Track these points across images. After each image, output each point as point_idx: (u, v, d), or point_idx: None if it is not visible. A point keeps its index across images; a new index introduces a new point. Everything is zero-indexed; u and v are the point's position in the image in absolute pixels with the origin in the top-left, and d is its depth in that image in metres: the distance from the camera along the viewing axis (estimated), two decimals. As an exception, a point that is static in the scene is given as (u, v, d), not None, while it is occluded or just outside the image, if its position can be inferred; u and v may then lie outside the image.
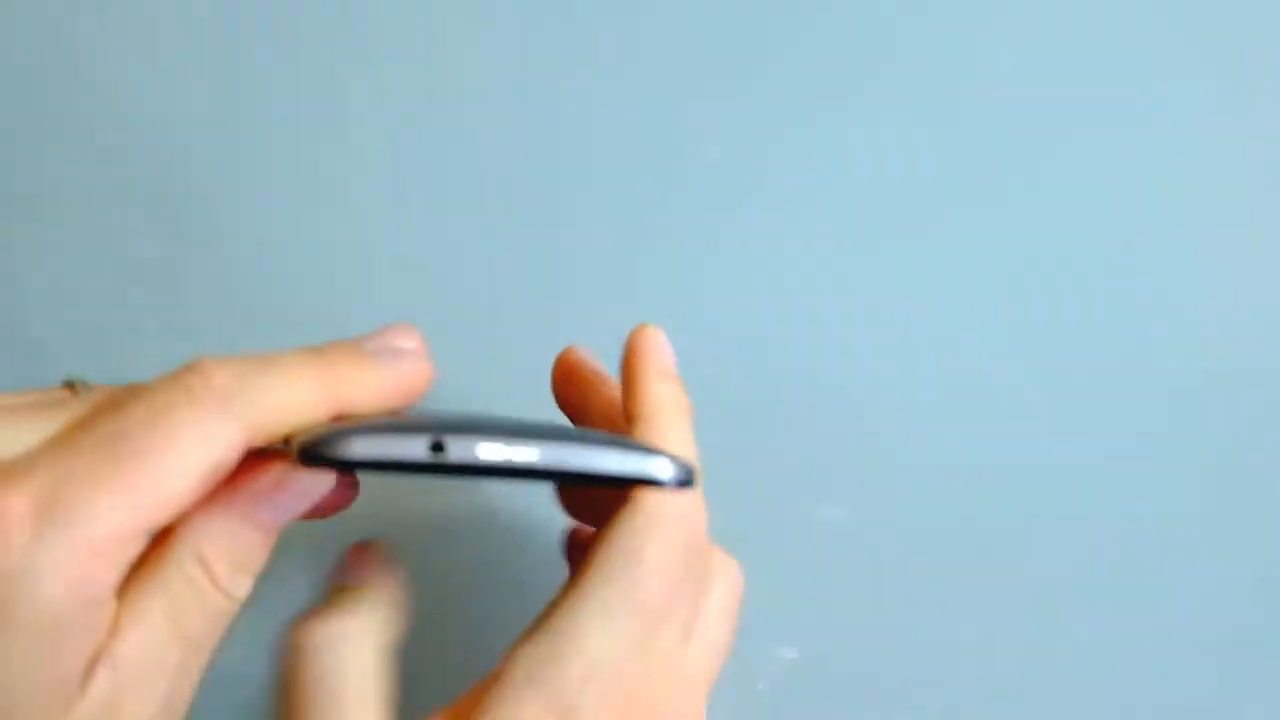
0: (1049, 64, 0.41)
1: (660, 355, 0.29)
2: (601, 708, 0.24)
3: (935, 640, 0.39)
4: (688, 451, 0.27)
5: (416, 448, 0.21)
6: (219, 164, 0.41)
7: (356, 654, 0.24)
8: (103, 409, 0.20)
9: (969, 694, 0.39)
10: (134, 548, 0.20)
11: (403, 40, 0.42)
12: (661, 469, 0.23)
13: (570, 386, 0.32)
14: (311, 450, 0.20)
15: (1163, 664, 0.40)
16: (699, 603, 0.27)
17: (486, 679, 0.25)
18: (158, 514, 0.20)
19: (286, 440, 0.22)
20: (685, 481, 0.23)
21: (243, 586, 0.22)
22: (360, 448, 0.20)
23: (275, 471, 0.22)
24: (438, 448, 0.21)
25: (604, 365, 0.32)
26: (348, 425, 0.21)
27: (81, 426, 0.20)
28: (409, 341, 0.24)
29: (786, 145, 0.41)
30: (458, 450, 0.21)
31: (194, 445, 0.20)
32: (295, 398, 0.21)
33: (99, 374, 0.40)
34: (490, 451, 0.21)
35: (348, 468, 0.21)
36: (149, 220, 0.41)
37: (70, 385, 0.24)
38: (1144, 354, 0.40)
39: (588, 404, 0.32)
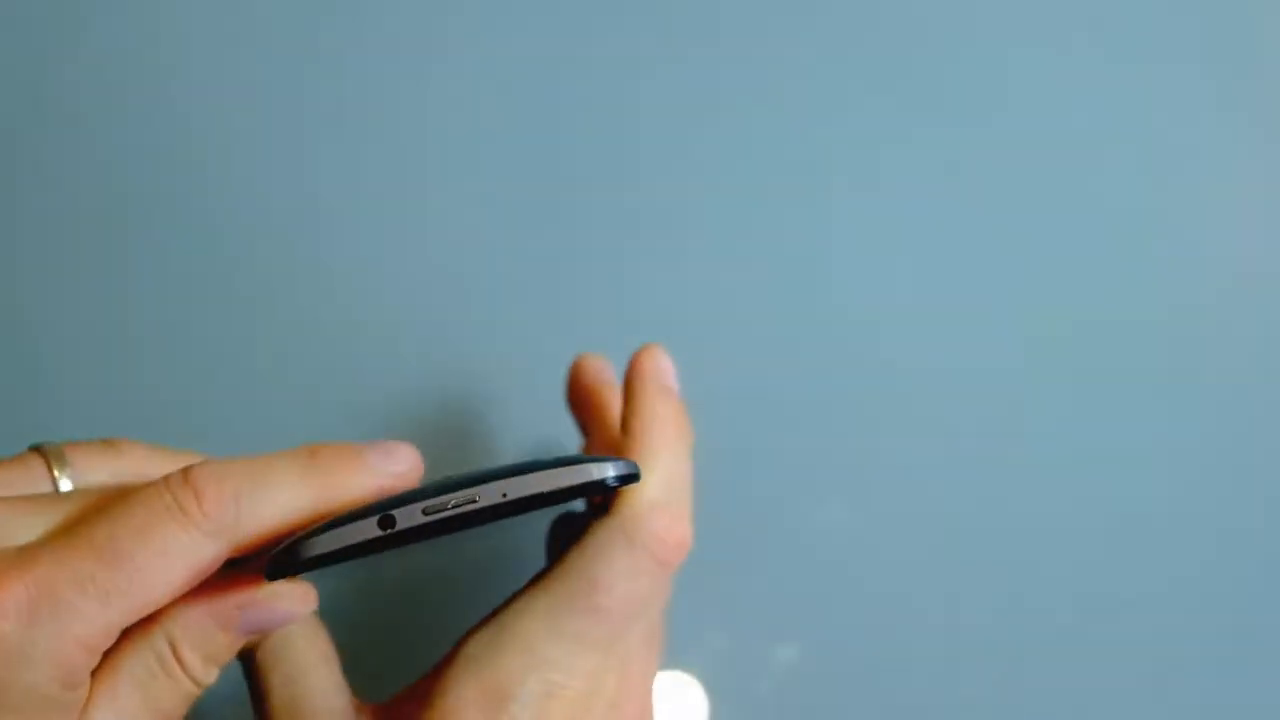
0: (1048, 66, 0.41)
1: (660, 373, 0.30)
2: (545, 701, 0.24)
3: (935, 640, 0.39)
4: (676, 467, 0.27)
5: (368, 529, 0.22)
6: (219, 168, 0.41)
7: (296, 629, 0.26)
8: (101, 510, 0.22)
9: (969, 693, 0.39)
10: (112, 640, 0.22)
11: (408, 43, 0.42)
12: (597, 471, 0.23)
13: (578, 395, 0.33)
14: (274, 566, 0.22)
15: (1164, 663, 0.40)
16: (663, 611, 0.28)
17: (439, 663, 0.26)
18: (137, 615, 0.21)
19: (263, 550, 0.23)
20: (627, 477, 0.24)
21: (211, 675, 0.24)
22: (317, 548, 0.22)
23: (264, 590, 0.24)
24: (387, 523, 0.22)
25: (614, 372, 0.33)
26: (300, 532, 0.23)
27: (79, 527, 0.21)
28: (404, 464, 0.25)
29: (787, 145, 0.41)
30: (405, 518, 0.22)
31: (179, 560, 0.21)
32: (285, 515, 0.22)
33: (98, 380, 0.40)
34: (434, 509, 0.23)
35: (314, 567, 0.22)
36: (148, 225, 0.41)
37: (40, 451, 0.25)
38: (1144, 354, 0.40)
39: (594, 413, 0.32)
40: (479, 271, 0.41)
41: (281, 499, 0.22)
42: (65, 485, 0.25)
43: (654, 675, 0.28)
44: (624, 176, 0.41)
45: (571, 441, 0.40)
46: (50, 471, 0.25)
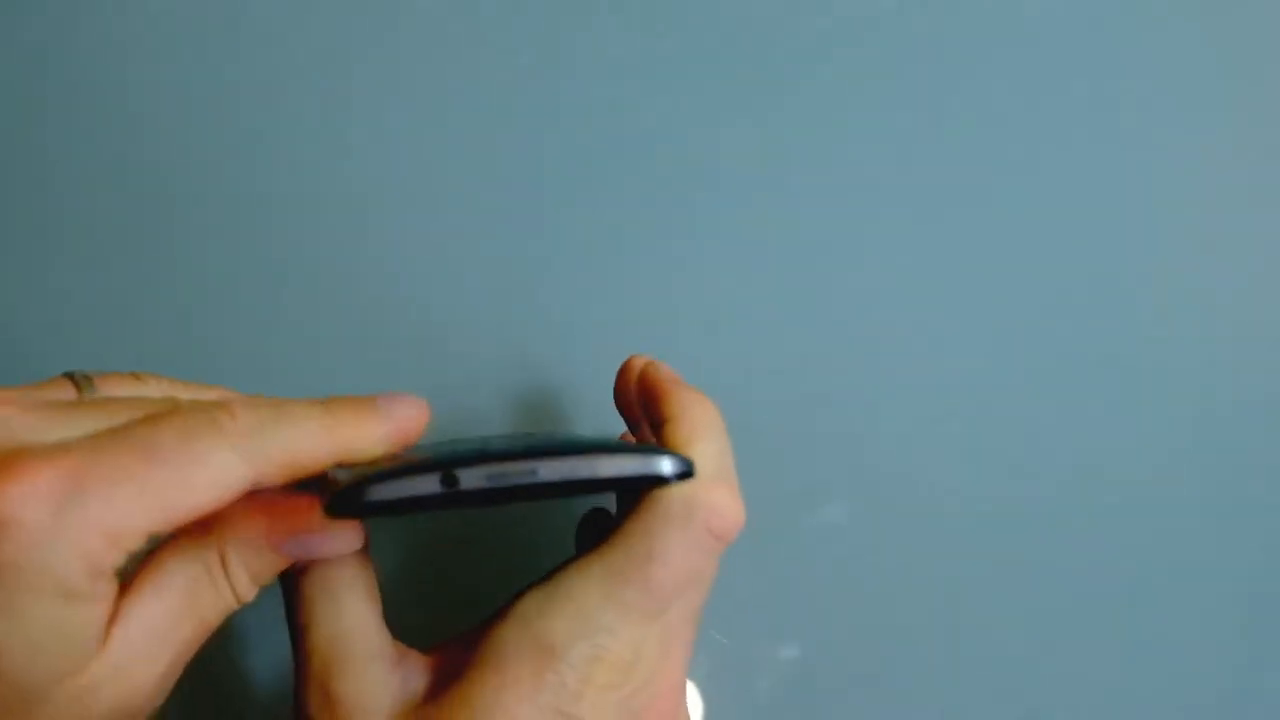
0: (1049, 68, 0.41)
1: (669, 371, 0.31)
2: (591, 664, 0.25)
3: (935, 639, 0.39)
4: (722, 445, 0.28)
5: (430, 484, 0.23)
6: (219, 167, 0.41)
7: (344, 566, 0.27)
8: (140, 420, 0.22)
9: (969, 693, 0.39)
10: (135, 544, 0.22)
11: (409, 42, 0.42)
12: (655, 465, 0.24)
13: (627, 395, 0.34)
14: (335, 504, 0.23)
15: (1163, 664, 0.40)
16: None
17: (494, 617, 0.27)
18: (165, 523, 0.22)
19: (324, 487, 0.24)
20: (685, 473, 0.25)
21: (251, 592, 0.25)
22: (380, 494, 0.23)
23: (318, 522, 0.25)
24: (450, 481, 0.23)
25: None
26: (368, 473, 0.23)
27: (119, 430, 0.22)
28: (413, 409, 0.26)
29: (786, 148, 0.41)
30: (468, 479, 0.23)
31: (214, 472, 0.22)
32: (303, 446, 0.23)
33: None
34: (497, 476, 0.23)
35: (374, 513, 0.23)
36: (145, 223, 0.41)
37: (71, 377, 0.26)
38: (1143, 354, 0.41)
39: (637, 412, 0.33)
40: (482, 270, 0.41)
41: (303, 435, 0.23)
42: None
43: (689, 656, 0.28)
44: (626, 178, 0.41)
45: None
46: (79, 394, 0.26)
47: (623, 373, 0.33)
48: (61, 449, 0.21)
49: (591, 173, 0.41)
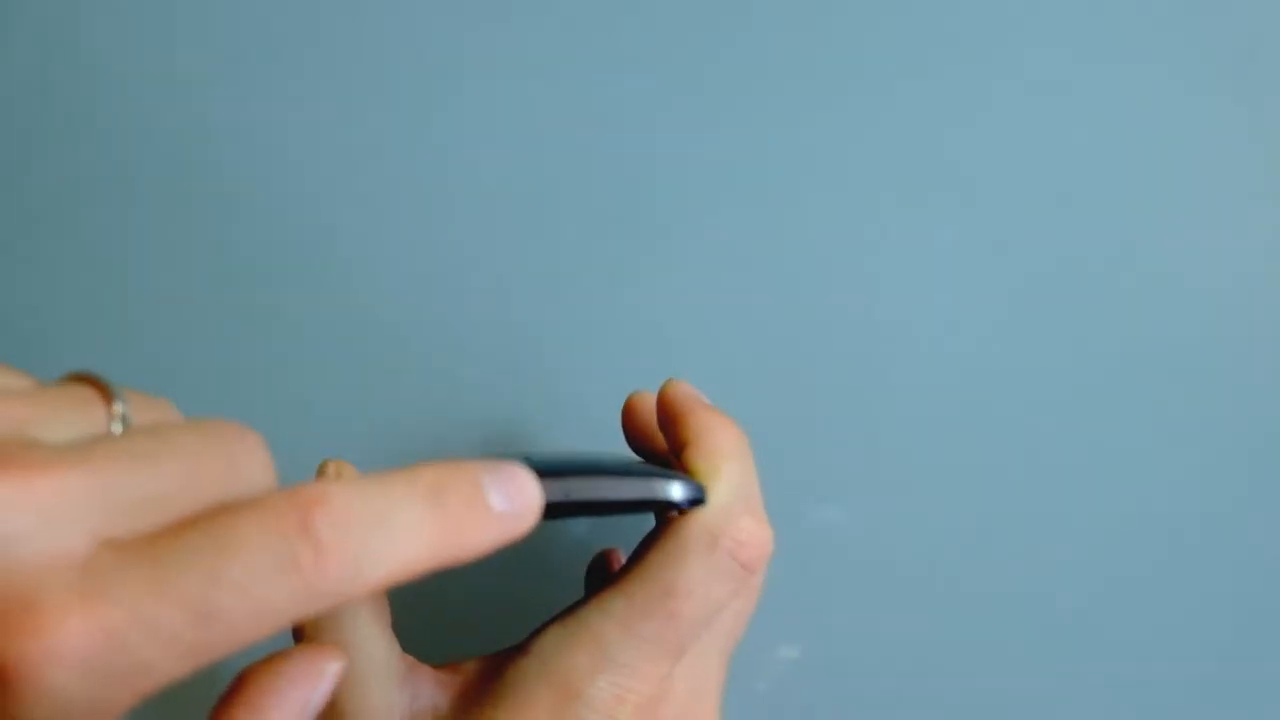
0: (1051, 66, 0.41)
1: (698, 394, 0.30)
2: (614, 705, 0.24)
3: (935, 640, 0.39)
4: (745, 471, 0.27)
5: None
6: (228, 166, 0.41)
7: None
8: (201, 534, 0.17)
9: (969, 694, 0.39)
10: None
11: (417, 43, 0.41)
12: (663, 490, 0.24)
13: (638, 428, 0.33)
14: None
15: (1164, 663, 0.40)
16: (741, 609, 0.28)
17: (514, 650, 0.26)
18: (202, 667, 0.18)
19: None
20: (696, 500, 0.24)
21: None
22: None
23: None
24: None
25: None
26: None
27: (170, 555, 0.17)
28: (531, 494, 0.21)
29: (784, 143, 0.41)
30: None
31: (275, 619, 0.18)
32: (400, 575, 0.19)
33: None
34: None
35: None
36: (155, 221, 0.41)
37: (96, 384, 0.20)
38: (1145, 353, 0.41)
39: (654, 441, 0.32)
40: (484, 279, 0.41)
41: (403, 557, 0.19)
42: (117, 426, 0.19)
43: (720, 693, 0.28)
44: (624, 181, 0.41)
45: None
46: (108, 410, 0.19)
47: (628, 410, 0.32)
48: (102, 588, 0.16)
49: (589, 178, 0.41)
